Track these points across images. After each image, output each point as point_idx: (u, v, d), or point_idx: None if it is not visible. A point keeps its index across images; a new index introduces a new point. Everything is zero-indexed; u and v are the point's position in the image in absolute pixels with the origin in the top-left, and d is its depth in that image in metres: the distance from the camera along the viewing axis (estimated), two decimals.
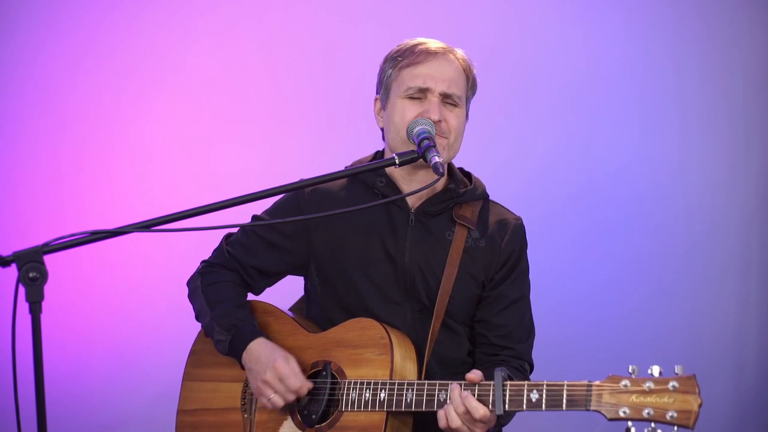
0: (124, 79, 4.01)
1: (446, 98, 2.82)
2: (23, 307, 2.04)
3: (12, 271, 2.06)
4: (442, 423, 2.59)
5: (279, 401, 2.75)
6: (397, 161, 2.58)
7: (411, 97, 2.82)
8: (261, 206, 3.00)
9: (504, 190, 3.10)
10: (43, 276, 2.04)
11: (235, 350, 2.83)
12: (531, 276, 2.99)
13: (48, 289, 2.05)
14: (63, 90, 3.99)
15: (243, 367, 2.84)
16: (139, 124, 4.02)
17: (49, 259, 2.07)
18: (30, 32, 3.98)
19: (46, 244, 2.09)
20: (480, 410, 2.51)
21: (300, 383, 2.73)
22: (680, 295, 4.02)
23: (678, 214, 4.05)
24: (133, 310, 3.95)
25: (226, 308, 2.88)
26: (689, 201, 4.05)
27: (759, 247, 4.06)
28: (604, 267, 4.04)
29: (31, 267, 2.03)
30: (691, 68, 4.07)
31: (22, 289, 2.04)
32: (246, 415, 2.88)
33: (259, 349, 2.79)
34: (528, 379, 2.87)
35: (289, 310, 3.08)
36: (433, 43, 2.89)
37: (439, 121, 2.78)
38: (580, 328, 3.97)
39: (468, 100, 2.92)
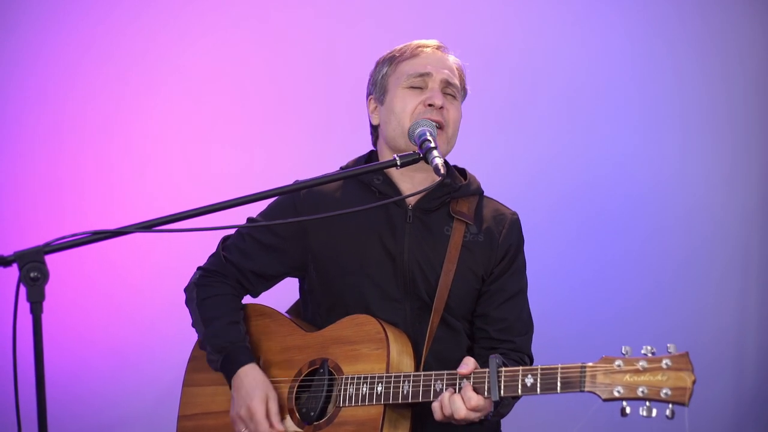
0: (124, 79, 4.00)
1: (446, 87, 2.88)
2: (24, 307, 2.04)
3: (13, 271, 2.06)
4: (437, 415, 2.60)
5: None
6: (398, 162, 2.58)
7: (412, 87, 2.87)
8: (260, 207, 3.00)
9: (504, 188, 3.11)
10: (44, 276, 2.04)
11: (225, 372, 2.86)
12: (529, 273, 3.01)
13: (49, 289, 2.05)
14: (63, 90, 3.99)
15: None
16: (140, 124, 4.02)
17: (50, 259, 2.07)
18: (30, 32, 3.98)
19: (47, 244, 2.09)
20: (472, 400, 2.53)
21: (267, 430, 2.75)
22: (680, 295, 4.03)
23: (678, 213, 4.05)
24: (133, 310, 3.95)
25: (219, 326, 2.88)
26: (689, 200, 4.05)
27: (759, 247, 4.06)
28: (603, 266, 4.04)
29: (32, 267, 2.03)
30: (691, 68, 4.07)
31: (23, 289, 2.04)
32: None
33: (245, 379, 2.81)
34: None
35: (286, 312, 3.08)
36: (430, 41, 2.97)
37: (442, 107, 2.81)
38: (579, 328, 3.97)
39: (461, 100, 2.97)
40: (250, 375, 2.81)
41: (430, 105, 2.82)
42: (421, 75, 2.87)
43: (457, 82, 2.91)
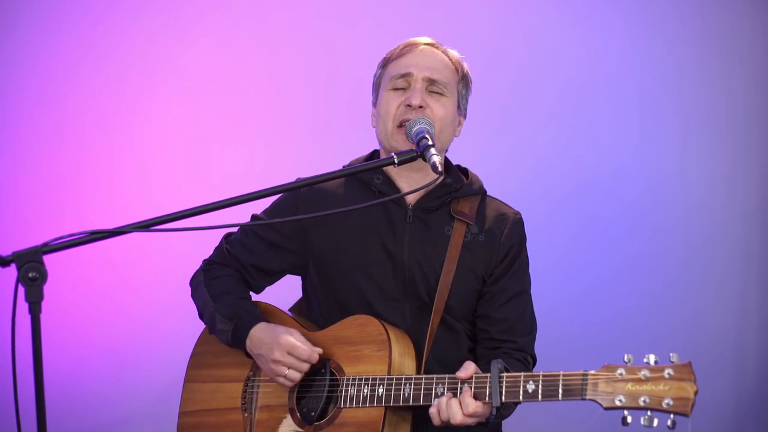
0: (124, 79, 4.00)
1: (431, 85, 2.86)
2: (23, 307, 2.04)
3: (12, 271, 2.06)
4: (435, 420, 2.60)
5: (295, 375, 2.75)
6: (396, 160, 2.58)
7: (395, 88, 2.87)
8: (260, 206, 3.01)
9: (505, 189, 3.11)
10: (42, 276, 2.04)
11: (238, 339, 2.84)
12: (531, 274, 3.00)
13: (48, 289, 2.05)
14: (63, 90, 3.99)
15: (249, 356, 2.85)
16: (139, 124, 4.02)
17: (48, 259, 2.07)
18: (30, 32, 3.97)
19: (45, 244, 2.09)
20: (470, 407, 2.54)
21: (309, 350, 2.74)
22: (680, 295, 4.02)
23: (678, 213, 4.05)
24: (132, 310, 3.95)
25: (229, 300, 2.90)
26: (689, 201, 4.05)
27: (759, 247, 4.06)
28: (603, 266, 4.04)
29: (30, 267, 2.03)
30: (691, 68, 4.07)
31: (21, 289, 2.04)
32: (246, 414, 2.88)
33: (261, 334, 2.80)
34: (529, 371, 2.88)
35: (288, 310, 3.09)
36: (419, 39, 2.96)
37: (422, 106, 2.81)
38: (579, 328, 3.97)
39: (461, 94, 2.95)
40: (264, 329, 2.81)
41: (408, 106, 2.83)
42: (403, 76, 2.87)
43: (443, 77, 2.88)
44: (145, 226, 2.25)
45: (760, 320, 4.03)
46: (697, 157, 4.07)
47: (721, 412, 3.97)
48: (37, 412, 2.05)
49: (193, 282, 3.04)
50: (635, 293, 4.03)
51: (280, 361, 2.74)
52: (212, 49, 4.05)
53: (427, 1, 4.10)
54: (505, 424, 2.97)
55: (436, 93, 2.87)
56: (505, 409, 2.73)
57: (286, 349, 2.73)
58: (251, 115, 4.07)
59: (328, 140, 4.02)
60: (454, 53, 2.96)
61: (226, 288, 2.94)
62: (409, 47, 2.92)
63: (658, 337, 3.96)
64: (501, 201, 3.02)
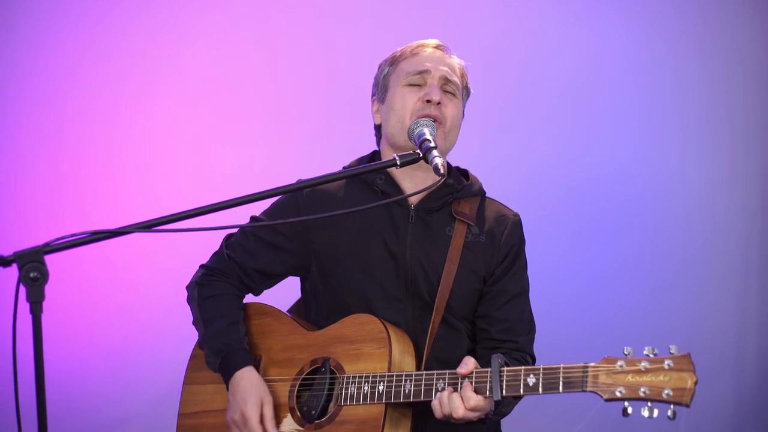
0: (124, 79, 4.00)
1: (445, 84, 2.89)
2: (24, 307, 2.04)
3: (13, 271, 2.06)
4: (437, 413, 2.60)
5: None
6: (398, 162, 2.57)
7: (411, 84, 2.89)
8: (262, 207, 3.00)
9: (504, 189, 3.11)
10: (43, 276, 2.03)
11: (223, 374, 2.85)
12: (531, 274, 3.01)
13: (49, 289, 2.05)
14: (63, 90, 3.99)
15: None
16: (140, 124, 4.02)
17: (49, 259, 2.07)
18: (30, 32, 3.97)
19: (46, 244, 2.09)
20: (471, 400, 2.54)
21: None
22: (680, 295, 4.03)
23: (678, 213, 4.05)
24: (133, 310, 3.95)
25: (219, 327, 2.87)
26: (689, 201, 4.05)
27: (759, 247, 4.06)
28: (603, 267, 4.04)
29: (31, 267, 2.03)
30: (691, 68, 4.07)
31: (22, 289, 2.04)
32: None
33: (240, 383, 2.79)
34: None
35: (287, 311, 3.09)
36: (430, 41, 3.00)
37: (439, 103, 2.83)
38: (579, 328, 3.97)
39: (463, 99, 2.97)
40: (245, 378, 2.80)
41: (428, 101, 2.84)
42: (420, 72, 2.89)
43: (456, 80, 2.92)
44: (147, 226, 2.24)
45: (760, 320, 4.03)
46: (697, 157, 4.07)
47: (721, 412, 3.97)
48: (38, 411, 2.05)
49: (188, 291, 3.02)
50: (635, 293, 4.03)
51: (236, 423, 2.78)
52: (212, 49, 4.05)
53: (427, 1, 4.11)
54: (504, 421, 2.97)
55: (450, 93, 2.90)
56: (504, 406, 2.74)
57: (245, 420, 2.75)
58: (251, 115, 4.07)
59: (328, 140, 4.02)
60: (461, 61, 2.99)
61: (217, 311, 2.91)
62: (422, 47, 2.96)
63: (657, 337, 3.93)
64: (500, 202, 3.03)
